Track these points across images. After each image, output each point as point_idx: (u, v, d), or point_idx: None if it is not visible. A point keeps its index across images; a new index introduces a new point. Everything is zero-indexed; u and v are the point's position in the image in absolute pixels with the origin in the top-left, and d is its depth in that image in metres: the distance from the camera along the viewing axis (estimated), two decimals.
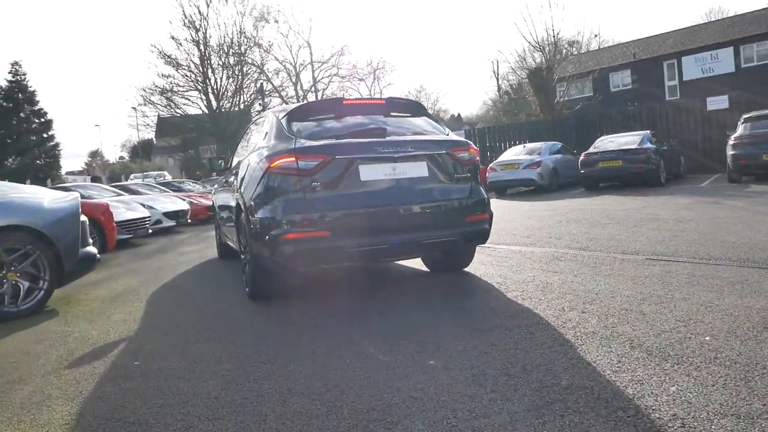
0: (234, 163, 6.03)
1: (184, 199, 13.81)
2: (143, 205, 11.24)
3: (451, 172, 4.22)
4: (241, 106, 30.74)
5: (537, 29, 31.30)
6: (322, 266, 4.12)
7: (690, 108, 17.07)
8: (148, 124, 32.42)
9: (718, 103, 16.51)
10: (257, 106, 31.24)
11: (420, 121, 4.58)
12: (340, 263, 4.14)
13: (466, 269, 4.93)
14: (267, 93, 31.28)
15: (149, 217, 10.40)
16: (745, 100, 16.14)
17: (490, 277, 4.56)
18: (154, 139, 56.15)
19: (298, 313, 3.97)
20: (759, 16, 27.38)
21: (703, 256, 4.70)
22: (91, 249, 5.09)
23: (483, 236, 4.29)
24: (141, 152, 54.93)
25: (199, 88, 29.34)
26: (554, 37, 24.55)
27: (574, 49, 30.90)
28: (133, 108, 31.76)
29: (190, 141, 41.24)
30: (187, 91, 29.34)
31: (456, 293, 4.20)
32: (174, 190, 16.84)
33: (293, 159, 3.84)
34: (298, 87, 36.12)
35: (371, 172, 3.95)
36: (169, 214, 12.15)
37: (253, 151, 4.60)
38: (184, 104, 29.54)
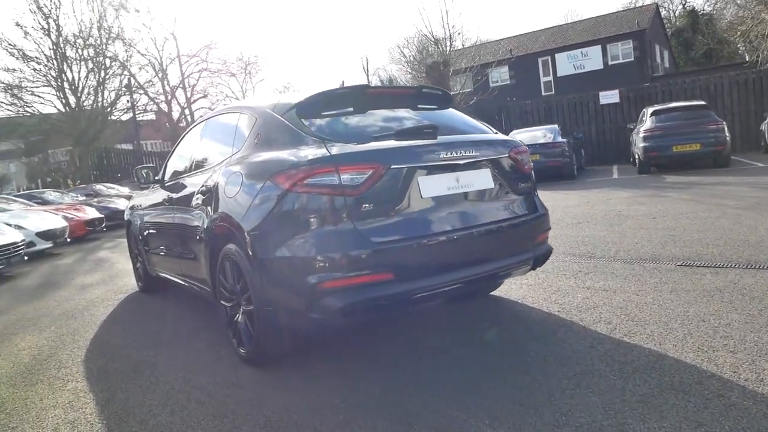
0: (171, 175, 4.65)
1: (56, 214, 11.51)
2: (9, 225, 9.03)
3: (513, 181, 3.33)
4: (105, 103, 27.16)
5: (433, 23, 31.23)
6: (379, 317, 2.99)
7: (584, 102, 17.75)
8: None
9: (609, 97, 17.30)
10: (126, 103, 27.92)
11: (455, 115, 3.63)
12: (404, 312, 3.08)
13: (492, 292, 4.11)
14: (134, 89, 28.06)
15: (23, 240, 8.30)
16: (634, 95, 17.07)
17: (534, 301, 3.76)
18: None
19: (328, 383, 2.85)
20: (620, 17, 29.73)
21: (739, 260, 4.27)
22: None
23: (547, 257, 3.46)
24: None
25: (54, 84, 25.38)
26: (450, 30, 24.60)
27: (461, 43, 31.39)
28: None
29: (36, 144, 36.02)
30: (38, 87, 25.29)
31: (518, 328, 3.33)
32: (37, 203, 14.17)
33: (332, 171, 2.72)
34: (165, 83, 33.04)
35: (433, 186, 2.95)
36: (43, 234, 9.95)
37: (231, 163, 3.39)
38: (34, 102, 25.42)
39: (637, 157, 12.85)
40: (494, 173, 3.20)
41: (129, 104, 27.27)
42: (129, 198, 16.61)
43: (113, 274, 7.12)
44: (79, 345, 4.04)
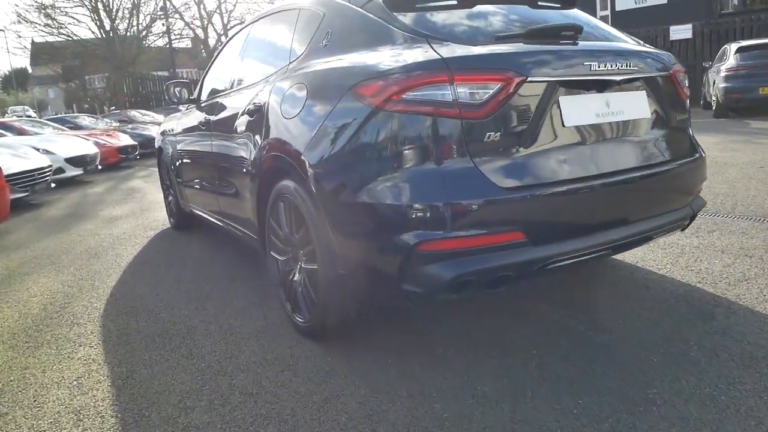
0: (209, 94, 3.82)
1: (87, 139, 10.91)
2: (37, 150, 8.44)
3: (671, 110, 2.41)
4: (140, 27, 26.21)
5: None
6: (495, 293, 2.13)
7: (651, 37, 16.03)
8: (25, 47, 27.04)
9: (681, 32, 15.58)
10: (161, 27, 26.91)
11: (587, 18, 2.66)
12: (525, 286, 2.26)
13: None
14: (170, 12, 26.96)
15: (50, 166, 7.69)
16: (708, 30, 15.32)
17: (658, 265, 2.88)
18: (29, 68, 48.81)
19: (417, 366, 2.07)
20: None
21: None
22: None
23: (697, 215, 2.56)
24: (15, 83, 47.64)
25: (88, 5, 24.40)
26: None
27: None
28: (1, 30, 26.25)
29: (74, 70, 35.53)
30: (72, 7, 24.41)
31: (658, 306, 2.47)
32: (69, 128, 13.64)
33: (444, 81, 1.83)
34: (201, 7, 31.90)
35: (578, 111, 2.06)
36: (73, 160, 9.37)
37: (288, 74, 2.55)
38: (69, 24, 24.59)
39: (714, 99, 11.45)
40: (650, 97, 2.28)
41: (164, 28, 26.22)
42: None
43: (144, 207, 6.46)
44: (99, 293, 3.37)
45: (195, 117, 3.92)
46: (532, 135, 1.95)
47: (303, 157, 2.19)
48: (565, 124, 2.01)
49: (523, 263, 1.89)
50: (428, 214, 1.85)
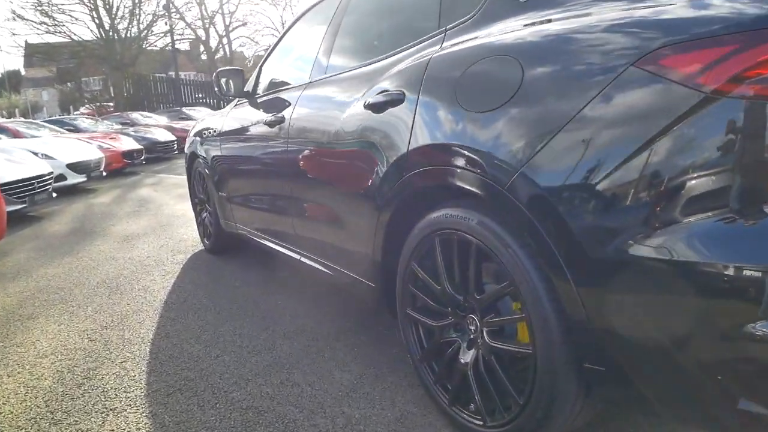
0: (272, 85, 2.95)
1: (90, 143, 9.96)
2: (36, 154, 7.51)
3: None
4: (141, 26, 25.22)
5: None
6: None
7: None
8: (19, 45, 26.02)
9: None
10: (164, 26, 25.93)
11: None
12: None
13: None
14: (172, 12, 26.03)
15: (51, 173, 6.75)
16: None
17: None
18: (22, 70, 47.81)
19: None
20: None
21: None
22: None
23: None
24: (8, 84, 46.55)
25: (88, 3, 23.37)
26: None
27: None
28: None
29: (70, 71, 34.43)
30: (70, 4, 23.44)
31: None
32: (68, 130, 12.68)
33: None
34: (203, 8, 31.09)
35: None
36: (75, 166, 8.42)
37: (451, 41, 1.66)
38: (66, 22, 23.62)
39: None
40: None
41: (168, 27, 25.22)
42: (170, 129, 15.04)
43: (163, 222, 5.54)
44: (134, 352, 2.45)
45: (253, 115, 3.03)
46: None
47: (520, 177, 1.30)
48: None
49: None
50: None
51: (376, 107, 1.86)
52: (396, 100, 1.76)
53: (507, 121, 1.35)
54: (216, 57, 32.07)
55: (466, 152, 1.46)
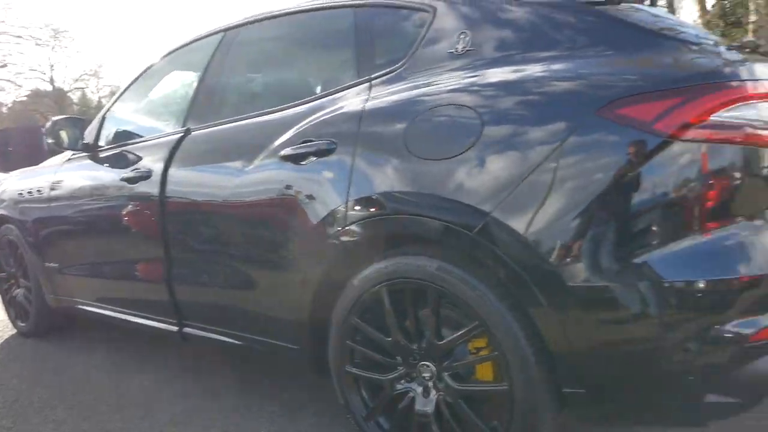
0: (123, 136, 2.68)
1: None
2: None
3: None
4: None
5: None
6: None
7: None
8: None
9: None
10: None
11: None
12: None
13: None
14: None
15: None
16: None
17: None
18: None
19: None
20: None
21: None
22: None
23: None
24: None
25: None
26: None
27: None
28: None
29: None
30: None
31: None
32: None
33: (755, 95, 1.28)
34: None
35: None
36: None
37: (381, 88, 1.71)
38: None
39: None
40: None
41: None
42: None
43: None
44: None
45: (99, 170, 2.67)
46: None
47: (489, 221, 1.37)
48: None
49: None
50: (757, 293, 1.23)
51: (297, 158, 1.79)
52: (324, 150, 1.72)
53: (470, 168, 1.43)
54: None
55: (424, 199, 1.49)
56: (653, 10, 1.82)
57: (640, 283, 1.25)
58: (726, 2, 18.56)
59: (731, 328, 1.22)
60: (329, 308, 1.76)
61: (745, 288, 1.25)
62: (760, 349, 1.25)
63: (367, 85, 1.76)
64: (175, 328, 2.39)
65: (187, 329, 2.33)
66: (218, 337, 2.19)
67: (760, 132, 1.27)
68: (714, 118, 1.24)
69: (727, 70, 1.32)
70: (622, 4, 1.67)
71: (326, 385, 1.86)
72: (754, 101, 1.27)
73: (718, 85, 1.28)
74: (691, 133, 1.24)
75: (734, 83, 1.29)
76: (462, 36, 1.62)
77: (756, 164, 1.31)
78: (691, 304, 1.24)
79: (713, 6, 17.87)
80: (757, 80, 1.32)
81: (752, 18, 15.35)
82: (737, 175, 1.28)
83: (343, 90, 1.81)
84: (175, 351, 2.79)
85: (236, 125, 2.11)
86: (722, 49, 1.44)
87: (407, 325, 1.61)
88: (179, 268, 2.27)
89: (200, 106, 2.33)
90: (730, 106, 1.25)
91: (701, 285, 1.23)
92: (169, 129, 2.42)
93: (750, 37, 15.54)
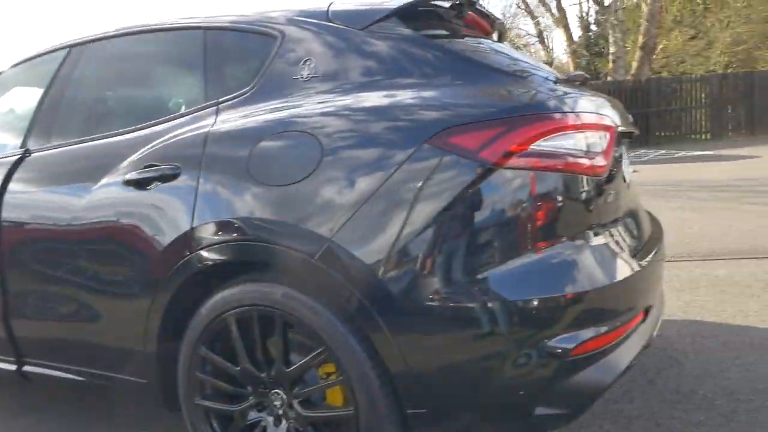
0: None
1: None
2: None
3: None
4: None
5: None
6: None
7: None
8: None
9: None
10: None
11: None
12: None
13: None
14: None
15: None
16: None
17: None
18: None
19: None
20: None
21: None
22: None
23: None
24: None
25: None
26: None
27: None
28: None
29: None
30: None
31: None
32: None
33: (574, 127, 1.42)
34: None
35: (626, 167, 1.87)
36: None
37: (230, 113, 1.69)
38: None
39: None
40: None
41: None
42: None
43: None
44: None
45: None
46: (617, 197, 1.65)
47: (330, 247, 1.38)
48: (626, 180, 1.77)
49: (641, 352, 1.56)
50: (582, 308, 1.36)
51: (140, 183, 1.71)
52: (168, 175, 1.66)
53: (310, 194, 1.43)
54: None
55: (267, 225, 1.48)
56: (496, 45, 1.97)
57: (473, 304, 1.31)
58: (590, 34, 20.54)
59: (555, 343, 1.31)
60: (178, 339, 1.69)
61: (568, 304, 1.35)
62: (581, 362, 1.36)
63: (214, 108, 1.72)
64: (13, 367, 2.17)
65: (26, 367, 2.13)
66: (60, 374, 2.02)
67: (577, 160, 1.40)
68: (534, 147, 1.34)
69: (551, 102, 1.45)
70: (466, 39, 1.79)
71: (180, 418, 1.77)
72: (572, 132, 1.39)
73: (539, 116, 1.39)
74: (513, 161, 1.33)
75: (556, 115, 1.40)
76: (307, 62, 1.64)
77: (576, 189, 1.43)
78: (521, 321, 1.32)
79: (579, 37, 19.69)
80: (578, 113, 1.45)
81: (612, 49, 17.09)
82: (560, 198, 1.40)
83: (191, 113, 1.76)
84: (20, 389, 2.54)
85: (79, 147, 1.97)
86: (551, 83, 1.57)
87: (256, 353, 1.58)
88: (17, 302, 2.07)
89: (42, 125, 2.16)
90: (550, 136, 1.35)
91: (535, 302, 1.32)
92: (6, 149, 2.22)
93: (610, 66, 17.28)
